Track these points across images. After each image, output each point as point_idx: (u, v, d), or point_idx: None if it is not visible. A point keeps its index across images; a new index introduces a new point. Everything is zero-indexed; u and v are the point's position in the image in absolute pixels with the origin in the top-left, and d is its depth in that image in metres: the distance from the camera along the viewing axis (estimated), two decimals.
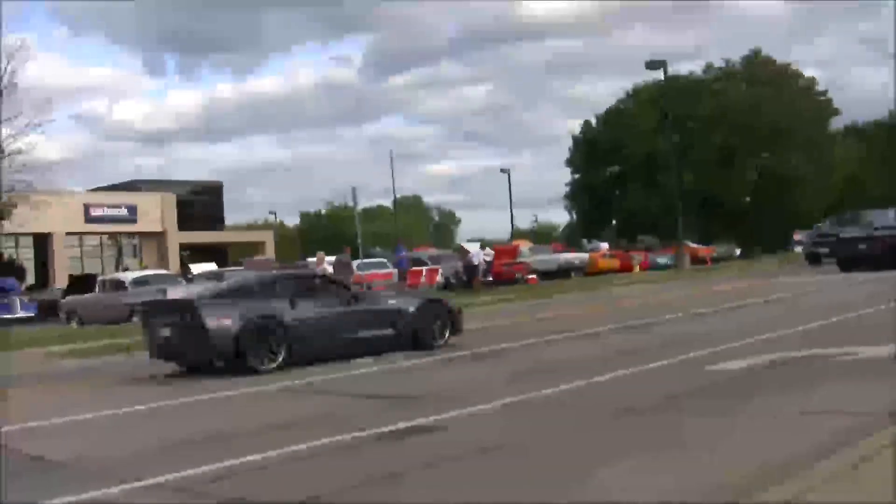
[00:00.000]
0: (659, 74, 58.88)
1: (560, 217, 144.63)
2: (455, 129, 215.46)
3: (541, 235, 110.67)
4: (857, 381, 10.32)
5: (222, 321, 15.39)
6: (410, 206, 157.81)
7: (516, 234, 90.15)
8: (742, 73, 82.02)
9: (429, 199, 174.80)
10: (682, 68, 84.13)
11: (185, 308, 16.10)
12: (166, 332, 16.15)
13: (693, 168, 73.23)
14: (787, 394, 9.92)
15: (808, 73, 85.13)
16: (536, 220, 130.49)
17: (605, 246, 63.88)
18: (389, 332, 17.09)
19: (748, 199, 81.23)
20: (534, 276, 49.02)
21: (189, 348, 15.94)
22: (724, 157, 75.73)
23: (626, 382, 11.75)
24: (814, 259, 43.31)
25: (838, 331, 15.71)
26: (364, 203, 73.65)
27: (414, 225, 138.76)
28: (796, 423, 8.50)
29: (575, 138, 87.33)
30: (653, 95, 78.58)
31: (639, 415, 9.52)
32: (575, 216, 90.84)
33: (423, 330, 17.42)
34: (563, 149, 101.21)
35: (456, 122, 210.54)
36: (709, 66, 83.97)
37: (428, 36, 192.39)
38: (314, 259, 36.47)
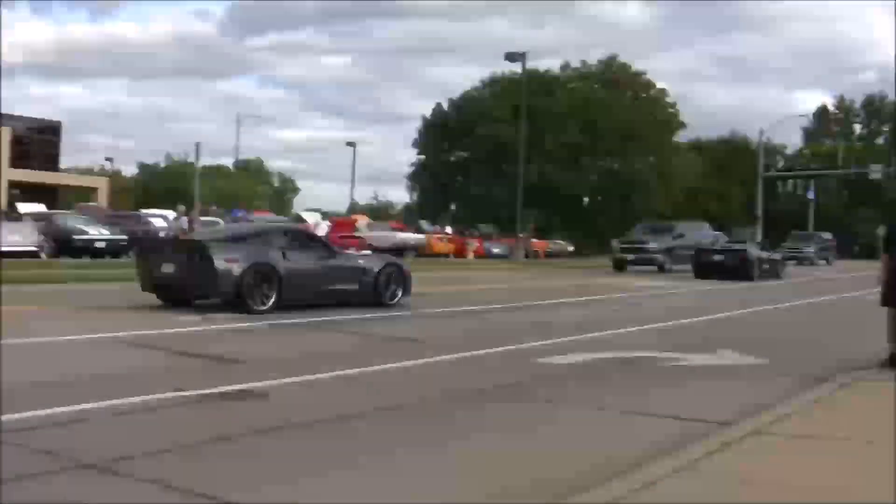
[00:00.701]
0: (517, 66, 59.30)
1: (402, 196, 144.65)
2: (308, 98, 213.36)
3: (380, 212, 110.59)
4: (682, 387, 10.40)
5: (230, 263, 16.94)
6: (252, 169, 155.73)
7: (355, 208, 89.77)
8: (597, 76, 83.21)
9: (272, 164, 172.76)
10: (540, 64, 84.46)
11: (194, 248, 17.86)
12: (170, 268, 17.63)
13: (540, 162, 73.96)
14: (615, 393, 9.91)
15: (660, 84, 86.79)
16: (376, 197, 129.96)
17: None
18: (355, 287, 18.90)
19: (588, 199, 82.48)
20: (368, 251, 48.68)
21: (192, 285, 17.48)
22: (572, 154, 76.71)
23: (453, 368, 11.59)
24: (619, 265, 44.05)
25: (671, 335, 15.89)
26: (206, 161, 72.06)
27: (253, 188, 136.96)
28: (617, 423, 8.46)
29: (425, 119, 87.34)
30: (508, 86, 79.07)
31: (456, 401, 9.33)
32: (416, 197, 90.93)
33: (383, 288, 19.24)
34: (413, 129, 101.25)
35: (310, 90, 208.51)
36: (566, 65, 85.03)
37: (292, 2, 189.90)
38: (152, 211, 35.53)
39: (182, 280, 17.56)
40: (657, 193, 78.87)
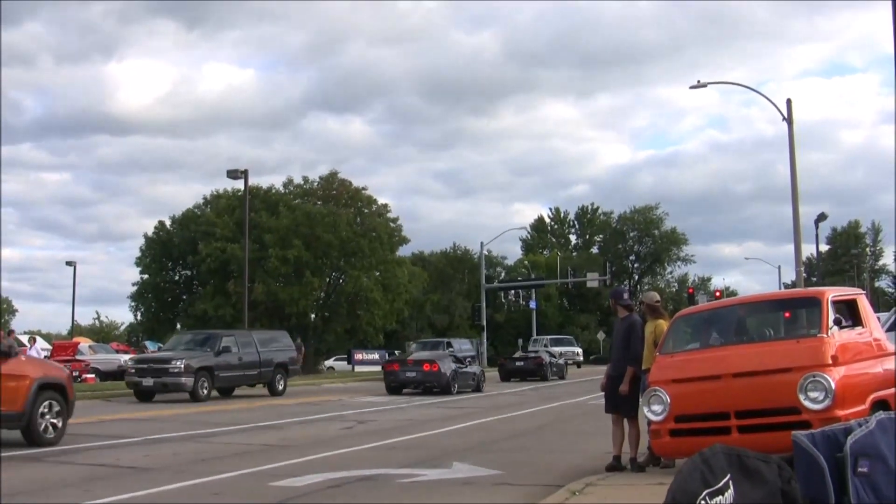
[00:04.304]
0: (239, 184, 59.10)
1: (126, 316, 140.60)
2: (26, 215, 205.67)
3: (101, 334, 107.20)
4: None
5: None
6: None
7: (77, 330, 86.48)
8: (319, 192, 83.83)
9: None
10: (264, 181, 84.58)
11: None
12: None
13: (264, 279, 73.59)
14: None
15: (381, 199, 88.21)
16: (99, 318, 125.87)
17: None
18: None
19: (314, 314, 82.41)
20: (92, 375, 47.01)
21: None
22: (296, 269, 76.64)
23: (184, 496, 11.23)
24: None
25: (406, 450, 15.95)
26: None
27: None
28: None
29: (147, 238, 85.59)
30: (231, 203, 78.69)
31: None
32: (140, 317, 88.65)
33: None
34: (136, 247, 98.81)
35: (28, 208, 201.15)
36: (289, 181, 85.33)
37: (10, 114, 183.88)
38: None
39: None
40: (382, 307, 79.67)
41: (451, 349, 47.15)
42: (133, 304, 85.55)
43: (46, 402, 16.75)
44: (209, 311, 74.37)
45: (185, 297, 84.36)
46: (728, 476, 6.23)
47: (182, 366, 31.00)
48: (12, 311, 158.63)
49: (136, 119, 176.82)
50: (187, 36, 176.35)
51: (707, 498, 6.03)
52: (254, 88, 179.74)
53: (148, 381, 31.29)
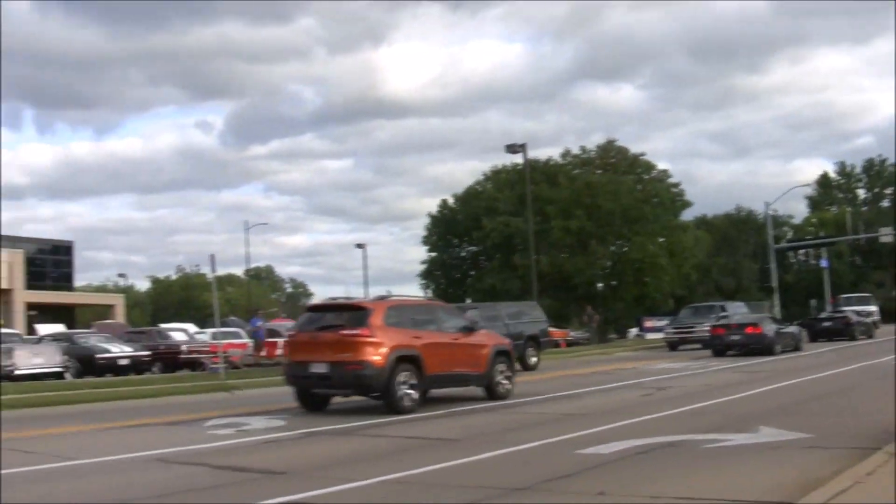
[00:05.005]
0: (518, 158, 59.63)
1: (415, 294, 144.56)
2: (312, 202, 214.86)
3: None
4: (729, 469, 10.34)
5: None
6: (263, 276, 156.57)
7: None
8: (597, 161, 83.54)
9: (282, 271, 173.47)
10: (540, 153, 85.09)
11: None
12: None
13: (549, 250, 74.08)
14: (661, 480, 9.85)
15: (660, 164, 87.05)
16: (391, 296, 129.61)
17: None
18: None
19: (601, 284, 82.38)
20: None
21: None
22: (580, 240, 76.79)
23: (494, 465, 11.51)
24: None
25: (709, 416, 15.83)
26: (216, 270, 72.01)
27: (265, 295, 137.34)
28: None
29: (432, 217, 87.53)
30: (511, 178, 79.47)
31: (504, 500, 9.26)
32: (430, 294, 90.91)
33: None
34: (419, 226, 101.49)
35: (313, 194, 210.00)
36: (566, 152, 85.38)
37: (290, 107, 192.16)
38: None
39: None
40: (669, 273, 78.75)
41: (723, 313, 46.10)
42: (423, 281, 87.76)
43: (500, 366, 21.00)
44: (496, 285, 75.47)
45: (472, 272, 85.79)
46: None
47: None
48: (308, 295, 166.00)
49: (408, 101, 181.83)
50: (452, 16, 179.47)
51: None
52: (521, 62, 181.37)
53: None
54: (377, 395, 18.33)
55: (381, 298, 20.81)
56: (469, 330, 20.60)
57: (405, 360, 18.32)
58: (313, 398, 19.26)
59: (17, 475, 11.41)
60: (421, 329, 19.36)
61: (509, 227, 75.50)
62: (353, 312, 18.99)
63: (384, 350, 17.97)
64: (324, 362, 18.22)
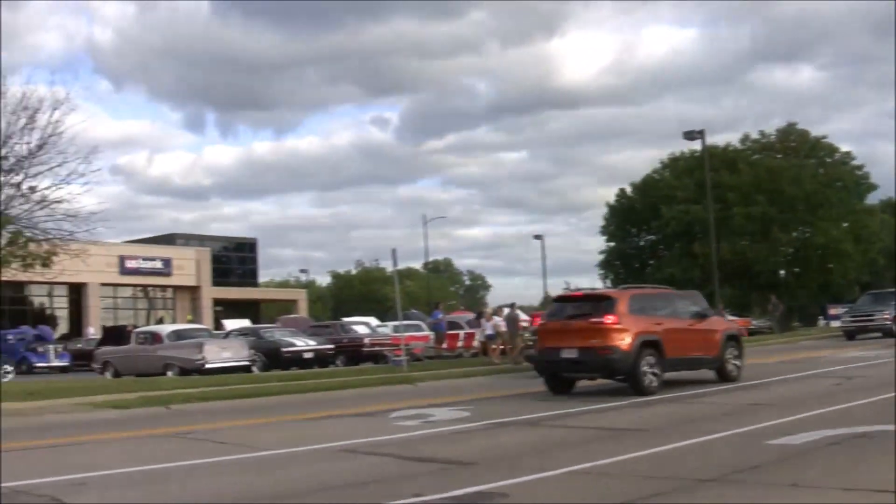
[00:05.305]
0: (696, 144, 58.74)
1: (592, 285, 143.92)
2: (489, 194, 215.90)
3: None
4: None
5: None
6: (441, 269, 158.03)
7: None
8: (778, 145, 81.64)
9: (460, 263, 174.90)
10: (717, 139, 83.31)
11: None
12: None
13: (729, 238, 72.66)
14: (854, 472, 9.58)
15: (843, 147, 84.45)
16: (569, 288, 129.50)
17: None
18: None
19: (783, 271, 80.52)
20: None
21: None
22: (762, 227, 75.13)
23: (681, 455, 11.39)
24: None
25: None
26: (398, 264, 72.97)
27: (444, 288, 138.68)
28: None
29: (610, 206, 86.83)
30: (689, 165, 78.31)
31: (693, 492, 9.15)
32: (609, 284, 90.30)
33: None
34: (596, 216, 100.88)
35: (490, 187, 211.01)
36: (745, 137, 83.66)
37: (464, 101, 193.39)
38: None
39: None
40: (855, 259, 76.36)
41: None
42: (601, 271, 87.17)
43: (731, 349, 22.46)
44: (676, 274, 74.37)
45: (651, 262, 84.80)
46: None
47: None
48: (486, 287, 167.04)
49: (582, 91, 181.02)
50: (624, 3, 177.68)
51: None
52: (696, 47, 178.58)
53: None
54: (623, 377, 19.94)
55: (625, 288, 23.04)
56: (702, 316, 22.26)
57: (648, 344, 19.93)
58: (562, 382, 21.00)
59: (208, 465, 11.80)
60: (660, 316, 20.94)
61: (688, 215, 74.37)
62: (600, 302, 20.83)
63: (630, 336, 19.68)
64: (574, 348, 20.12)
